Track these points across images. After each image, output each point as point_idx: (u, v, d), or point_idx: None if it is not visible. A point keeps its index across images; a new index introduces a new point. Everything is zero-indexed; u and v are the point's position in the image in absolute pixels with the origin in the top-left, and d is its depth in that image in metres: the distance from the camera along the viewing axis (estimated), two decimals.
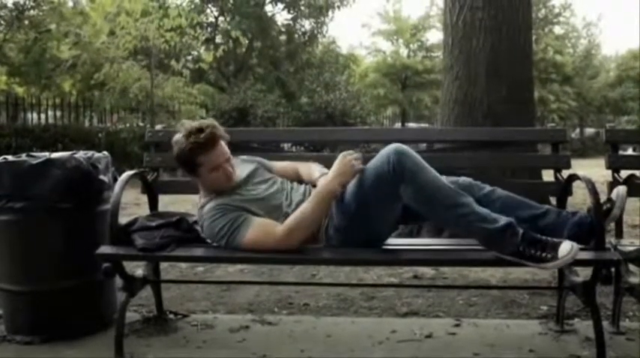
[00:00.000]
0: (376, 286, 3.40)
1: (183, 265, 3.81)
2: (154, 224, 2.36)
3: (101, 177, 2.65)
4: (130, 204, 5.42)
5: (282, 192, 2.37)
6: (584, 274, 2.27)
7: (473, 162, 2.86)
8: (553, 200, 2.68)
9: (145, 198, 2.73)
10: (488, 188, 2.32)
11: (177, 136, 2.28)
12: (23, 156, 2.63)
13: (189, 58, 14.40)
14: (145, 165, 2.78)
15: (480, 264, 2.79)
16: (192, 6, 16.61)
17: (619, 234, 2.58)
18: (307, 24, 19.32)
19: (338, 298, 3.19)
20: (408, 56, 23.54)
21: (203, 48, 16.67)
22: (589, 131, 24.15)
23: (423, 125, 21.56)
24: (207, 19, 17.72)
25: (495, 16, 4.75)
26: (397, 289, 3.31)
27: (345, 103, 14.24)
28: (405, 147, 2.11)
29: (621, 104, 24.16)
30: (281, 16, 19.24)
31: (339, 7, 18.88)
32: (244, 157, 2.57)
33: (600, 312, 2.24)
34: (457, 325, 2.71)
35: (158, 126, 3.07)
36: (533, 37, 10.79)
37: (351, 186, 2.19)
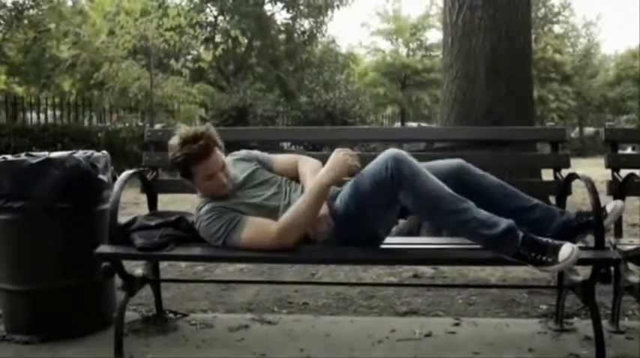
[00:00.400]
0: (375, 285, 3.40)
1: (183, 264, 3.81)
2: (153, 223, 2.36)
3: (100, 176, 2.65)
4: (129, 203, 5.42)
5: (281, 193, 2.36)
6: (583, 273, 2.27)
7: (472, 161, 2.84)
8: (553, 199, 2.68)
9: (144, 198, 2.73)
10: (478, 172, 2.31)
11: (173, 141, 2.27)
12: (22, 156, 2.63)
13: (189, 57, 14.37)
14: (144, 164, 2.78)
15: (479, 263, 2.80)
16: (192, 5, 16.63)
17: (618, 233, 2.57)
18: (306, 23, 19.33)
19: (337, 297, 3.19)
20: (408, 55, 23.53)
21: (202, 47, 16.66)
22: (588, 130, 24.13)
23: (422, 124, 21.55)
24: (206, 18, 17.72)
25: (495, 15, 4.74)
26: (397, 288, 3.31)
27: (344, 102, 14.23)
28: (402, 152, 2.09)
29: (620, 103, 24.16)
30: (280, 15, 19.28)
31: (338, 6, 18.90)
32: (243, 154, 2.53)
33: (600, 311, 2.25)
34: (457, 324, 2.71)
35: (157, 126, 3.08)
36: (533, 36, 10.81)
37: (348, 189, 2.18)
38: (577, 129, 24.50)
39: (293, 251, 2.17)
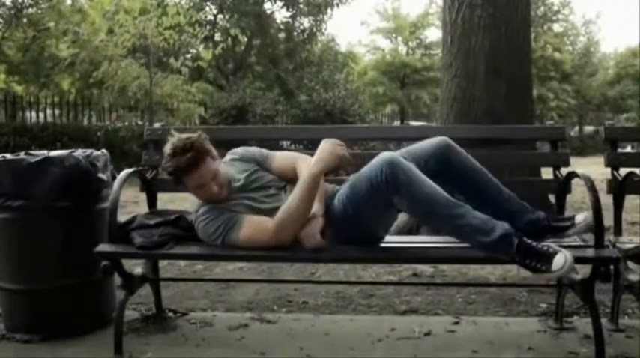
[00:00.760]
0: (375, 284, 3.41)
1: (182, 263, 3.81)
2: (152, 222, 2.37)
3: (100, 175, 2.65)
4: (129, 202, 5.42)
5: (279, 195, 2.34)
6: (583, 272, 2.27)
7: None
8: (552, 198, 2.68)
9: (143, 196, 2.73)
10: (463, 156, 2.30)
11: (165, 149, 2.27)
12: (22, 155, 2.63)
13: (188, 56, 14.36)
14: (143, 163, 2.78)
15: (479, 262, 2.80)
16: (191, 4, 16.57)
17: (618, 231, 2.57)
18: (306, 22, 19.29)
19: (337, 296, 3.19)
20: (407, 54, 23.53)
21: (202, 46, 16.66)
22: (588, 129, 24.16)
23: (422, 123, 21.55)
24: (205, 16, 17.68)
25: (494, 14, 4.74)
26: (396, 287, 3.31)
27: (343, 101, 14.21)
28: (397, 157, 2.08)
29: (620, 102, 24.17)
30: (280, 13, 19.23)
31: (337, 4, 18.86)
32: (241, 153, 2.50)
33: (599, 310, 2.25)
34: (456, 323, 2.71)
35: (157, 125, 3.07)
36: (532, 35, 10.80)
37: (346, 190, 2.19)
38: (576, 128, 24.54)
39: (292, 249, 2.17)
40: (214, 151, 2.30)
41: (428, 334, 2.57)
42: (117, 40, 11.14)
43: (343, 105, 14.09)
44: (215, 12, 18.41)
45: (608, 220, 2.25)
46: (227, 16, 18.18)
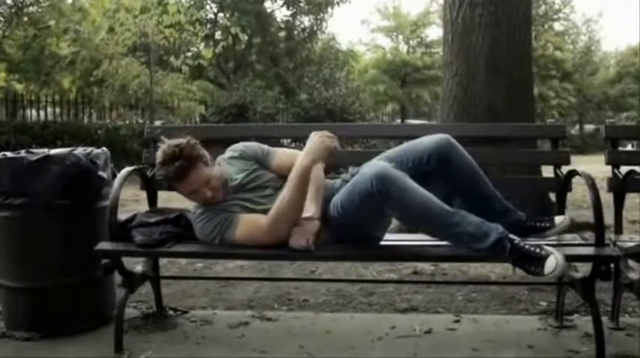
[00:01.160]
0: (375, 282, 3.41)
1: (183, 261, 3.81)
2: (152, 220, 2.37)
3: (100, 173, 2.64)
4: (129, 200, 5.41)
5: (276, 194, 2.32)
6: (583, 270, 2.27)
7: (473, 158, 2.85)
8: (553, 196, 2.67)
9: (144, 195, 2.73)
10: (464, 156, 2.29)
11: (157, 155, 2.26)
12: (22, 153, 2.62)
13: (189, 54, 14.34)
14: (143, 161, 2.78)
15: (479, 260, 2.79)
16: (192, 2, 16.56)
17: (618, 229, 2.57)
18: (307, 20, 19.26)
19: (337, 294, 3.19)
20: (408, 52, 23.54)
21: (202, 44, 16.65)
22: (589, 127, 24.16)
23: (422, 121, 21.53)
24: (206, 15, 17.65)
25: (495, 13, 4.73)
26: (396, 285, 3.31)
27: (344, 100, 14.21)
28: (386, 168, 2.05)
29: (621, 100, 24.18)
30: (280, 12, 19.21)
31: (338, 3, 18.82)
32: (240, 149, 2.46)
33: (599, 308, 2.25)
34: (457, 321, 2.71)
35: (157, 123, 3.08)
36: (533, 34, 10.79)
37: (341, 197, 2.18)
38: (577, 127, 24.54)
39: (292, 248, 2.17)
40: (207, 155, 2.28)
41: (428, 332, 2.57)
42: (117, 39, 11.15)
43: (344, 103, 14.09)
44: (216, 10, 18.40)
45: (608, 218, 2.26)
46: (228, 15, 18.16)
